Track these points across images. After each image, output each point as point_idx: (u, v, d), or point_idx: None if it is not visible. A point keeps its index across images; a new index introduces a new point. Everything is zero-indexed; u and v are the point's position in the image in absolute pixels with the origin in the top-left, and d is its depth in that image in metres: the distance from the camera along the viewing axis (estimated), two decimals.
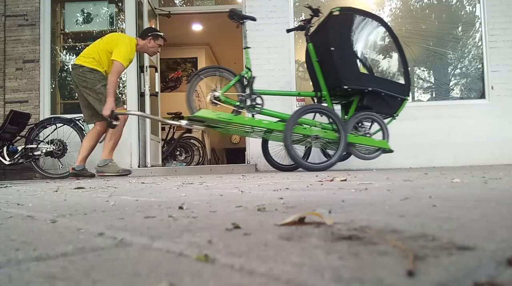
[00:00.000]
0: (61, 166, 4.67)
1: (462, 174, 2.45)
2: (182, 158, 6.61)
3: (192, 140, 7.02)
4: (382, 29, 4.12)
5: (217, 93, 3.70)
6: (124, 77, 5.25)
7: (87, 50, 4.01)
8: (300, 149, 4.26)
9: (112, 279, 0.42)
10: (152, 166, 5.36)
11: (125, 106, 4.72)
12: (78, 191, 1.95)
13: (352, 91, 3.88)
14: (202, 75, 3.86)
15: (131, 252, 0.55)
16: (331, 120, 3.83)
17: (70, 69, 4.13)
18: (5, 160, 4.52)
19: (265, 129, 3.83)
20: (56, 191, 1.97)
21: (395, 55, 4.16)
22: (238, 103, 3.78)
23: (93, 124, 4.06)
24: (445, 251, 0.48)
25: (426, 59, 5.48)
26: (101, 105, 3.82)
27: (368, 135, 3.95)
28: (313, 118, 4.06)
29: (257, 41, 5.23)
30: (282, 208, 0.94)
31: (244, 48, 3.95)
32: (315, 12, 3.95)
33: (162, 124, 6.33)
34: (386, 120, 4.14)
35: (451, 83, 5.53)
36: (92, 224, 0.81)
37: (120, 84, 5.43)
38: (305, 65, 4.46)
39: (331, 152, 3.98)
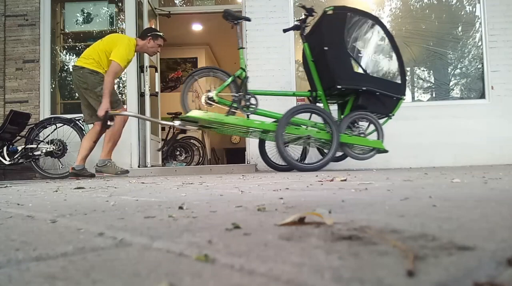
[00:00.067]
0: (61, 166, 4.67)
1: (462, 174, 2.45)
2: (182, 158, 6.61)
3: (192, 141, 7.02)
4: (377, 28, 4.08)
5: (211, 94, 3.74)
6: (124, 77, 5.25)
7: (88, 51, 4.02)
8: (298, 149, 4.26)
9: (112, 279, 0.42)
10: (152, 166, 5.36)
11: (124, 106, 4.72)
12: (78, 191, 1.95)
13: (347, 91, 3.87)
14: (196, 76, 3.89)
15: (131, 252, 0.55)
16: (323, 120, 3.82)
17: (71, 71, 4.13)
18: (5, 160, 4.52)
19: (259, 129, 3.82)
20: (56, 191, 1.97)
21: (391, 55, 4.13)
22: (229, 103, 3.80)
23: (92, 124, 4.07)
24: (445, 251, 0.48)
25: (426, 59, 5.48)
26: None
27: (362, 135, 3.92)
28: (309, 118, 4.04)
29: (257, 41, 5.23)
30: (282, 208, 0.94)
31: (239, 49, 3.95)
32: (309, 11, 3.94)
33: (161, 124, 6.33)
34: (382, 120, 4.13)
35: (451, 83, 5.53)
36: (92, 224, 0.81)
37: (120, 84, 5.43)
38: None
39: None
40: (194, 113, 3.60)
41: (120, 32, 5.49)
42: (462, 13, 5.50)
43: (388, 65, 4.07)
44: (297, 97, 5.09)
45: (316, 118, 3.97)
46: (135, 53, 4.27)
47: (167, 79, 8.92)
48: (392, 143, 4.92)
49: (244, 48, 3.99)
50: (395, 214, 0.80)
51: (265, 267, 0.43)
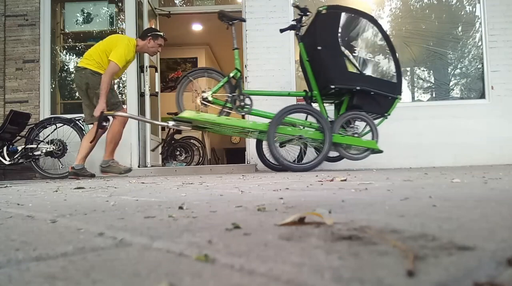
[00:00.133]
0: (61, 166, 4.67)
1: (462, 174, 2.45)
2: (182, 158, 6.61)
3: (192, 141, 7.02)
4: (372, 27, 4.04)
5: (205, 95, 3.78)
6: (124, 77, 5.25)
7: (89, 52, 4.03)
8: (296, 149, 4.25)
9: (112, 279, 0.42)
10: (152, 166, 5.36)
11: (124, 106, 4.73)
12: (78, 191, 1.95)
13: (343, 91, 3.86)
14: (191, 77, 3.92)
15: (131, 252, 0.55)
16: (315, 120, 3.81)
17: (74, 71, 4.15)
18: (5, 160, 4.52)
19: (251, 129, 3.83)
20: (56, 191, 1.97)
21: (387, 54, 4.09)
22: (223, 103, 3.81)
23: (92, 124, 4.07)
24: (445, 251, 0.48)
25: (426, 59, 5.48)
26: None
27: (356, 135, 3.90)
28: (306, 119, 4.03)
29: (257, 41, 5.23)
30: (282, 208, 0.94)
31: (234, 49, 3.97)
32: (303, 11, 3.93)
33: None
34: (378, 120, 4.11)
35: (451, 83, 5.53)
36: (92, 224, 0.81)
37: (120, 84, 5.43)
38: None
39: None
40: (186, 113, 3.62)
41: (120, 32, 5.49)
42: (462, 13, 5.50)
43: (384, 64, 4.03)
44: (297, 97, 5.09)
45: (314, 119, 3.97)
46: (136, 54, 4.27)
47: (167, 79, 8.92)
48: (392, 143, 4.92)
49: (239, 48, 4.01)
50: (395, 214, 0.80)
51: (265, 267, 0.43)
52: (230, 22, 3.92)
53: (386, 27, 5.49)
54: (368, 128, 3.98)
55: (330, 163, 4.45)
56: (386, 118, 4.13)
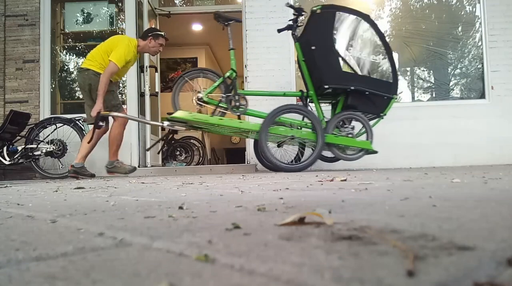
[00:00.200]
0: (61, 166, 4.67)
1: (462, 174, 2.45)
2: (182, 158, 6.61)
3: (192, 141, 7.02)
4: (367, 27, 4.01)
5: (200, 95, 3.82)
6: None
7: (92, 53, 4.06)
8: (295, 149, 4.25)
9: (112, 279, 0.42)
10: (152, 166, 5.36)
11: (124, 106, 4.73)
12: (78, 191, 1.95)
13: (338, 91, 3.85)
14: (187, 78, 3.97)
15: (131, 252, 0.55)
16: (309, 120, 3.80)
17: (77, 72, 4.20)
18: (5, 160, 4.52)
19: (243, 130, 3.85)
20: (56, 191, 1.97)
21: (382, 53, 4.05)
22: (217, 103, 3.84)
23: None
24: (445, 251, 0.48)
25: (426, 59, 5.48)
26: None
27: (350, 136, 3.86)
28: (303, 119, 4.03)
29: (257, 41, 5.23)
30: (282, 208, 0.94)
31: (229, 50, 4.00)
32: (298, 11, 3.92)
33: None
34: (374, 121, 4.09)
35: (451, 83, 5.53)
36: (92, 224, 0.81)
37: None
38: None
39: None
40: (178, 114, 3.68)
41: (120, 32, 5.50)
42: (462, 13, 5.50)
43: (379, 64, 4.01)
44: (297, 97, 5.09)
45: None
46: (138, 54, 4.28)
47: (167, 79, 8.92)
48: (392, 143, 4.93)
49: (235, 49, 4.03)
50: (395, 214, 0.80)
51: (265, 267, 0.43)
52: (226, 23, 3.95)
53: (386, 27, 5.49)
54: (364, 128, 3.98)
55: (330, 163, 4.44)
56: (382, 118, 4.10)
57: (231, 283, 0.39)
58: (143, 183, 2.54)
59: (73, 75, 5.70)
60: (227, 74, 3.92)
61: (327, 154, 4.11)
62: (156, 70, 5.80)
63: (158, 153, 5.81)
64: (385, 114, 4.05)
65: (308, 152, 4.31)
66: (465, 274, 0.39)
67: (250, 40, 5.26)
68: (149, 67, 5.39)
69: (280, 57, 5.24)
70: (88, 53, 5.12)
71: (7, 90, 5.28)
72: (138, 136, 5.19)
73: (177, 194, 1.50)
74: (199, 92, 3.87)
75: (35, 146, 4.55)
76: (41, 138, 4.64)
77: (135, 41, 4.13)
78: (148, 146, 5.33)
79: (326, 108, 4.26)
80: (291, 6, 3.94)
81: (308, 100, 4.01)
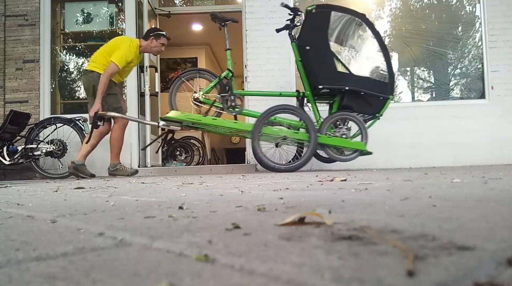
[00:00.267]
0: (61, 166, 4.67)
1: (462, 174, 2.45)
2: (182, 158, 6.60)
3: (192, 141, 7.02)
4: (363, 26, 3.97)
5: (196, 95, 3.87)
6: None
7: (96, 55, 4.10)
8: (293, 150, 4.24)
9: (112, 279, 0.42)
10: (152, 166, 5.36)
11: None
12: (78, 191, 1.95)
13: (335, 91, 3.83)
14: (183, 78, 4.03)
15: (131, 252, 0.55)
16: (301, 120, 3.78)
17: (82, 74, 4.26)
18: (5, 160, 4.52)
19: (236, 129, 3.87)
20: (56, 191, 1.97)
21: (378, 53, 4.00)
22: (211, 103, 3.89)
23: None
24: (445, 251, 0.48)
25: (426, 59, 5.48)
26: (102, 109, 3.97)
27: (344, 136, 3.83)
28: (300, 119, 4.02)
29: (257, 41, 5.23)
30: (282, 208, 0.94)
31: (226, 50, 4.03)
32: (294, 10, 3.90)
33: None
34: (370, 121, 4.06)
35: (451, 83, 5.53)
36: (92, 224, 0.81)
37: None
38: None
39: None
40: (172, 114, 3.75)
41: (120, 32, 5.50)
42: (462, 13, 5.50)
43: (375, 64, 3.96)
44: (297, 97, 5.08)
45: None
46: (141, 54, 4.30)
47: (167, 79, 8.91)
48: (392, 143, 4.93)
49: (231, 49, 4.06)
50: (395, 214, 0.80)
51: (265, 267, 0.43)
52: (223, 23, 3.97)
53: (386, 27, 5.49)
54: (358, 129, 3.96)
55: (330, 163, 4.44)
56: (379, 119, 4.06)
57: (231, 283, 0.39)
58: (143, 183, 2.54)
59: (73, 75, 5.70)
60: (224, 74, 3.96)
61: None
62: (156, 70, 5.80)
63: (157, 152, 5.81)
64: (381, 115, 4.01)
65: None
66: (465, 274, 0.39)
67: (250, 40, 5.26)
68: (149, 67, 5.39)
69: (280, 57, 5.24)
70: (88, 53, 5.13)
71: (7, 90, 5.28)
72: (138, 136, 5.20)
73: (177, 194, 1.50)
74: (195, 92, 3.91)
75: (35, 146, 4.55)
76: (41, 138, 4.64)
77: (137, 41, 4.16)
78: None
79: (324, 108, 4.25)
80: (286, 6, 3.91)
81: (306, 100, 4.01)
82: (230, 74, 3.96)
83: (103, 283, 0.41)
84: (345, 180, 2.05)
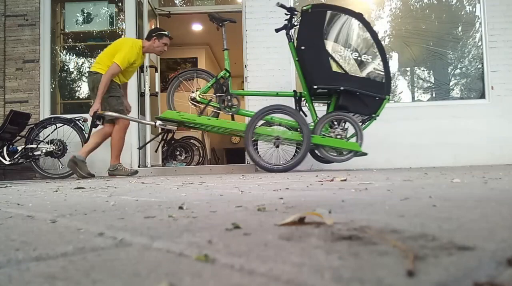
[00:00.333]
0: (61, 166, 4.67)
1: (462, 174, 2.45)
2: (182, 158, 6.60)
3: (192, 141, 7.02)
4: (360, 26, 3.94)
5: (193, 95, 3.93)
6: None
7: (100, 56, 4.14)
8: (292, 150, 4.25)
9: (112, 279, 0.42)
10: (152, 166, 5.36)
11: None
12: (78, 191, 1.95)
13: (331, 91, 3.82)
14: (181, 78, 4.09)
15: (131, 252, 0.55)
16: (296, 120, 3.77)
17: (87, 75, 4.32)
18: (5, 160, 4.52)
19: (230, 129, 3.91)
20: (56, 191, 1.97)
21: (375, 53, 3.97)
22: (207, 102, 3.94)
23: (102, 125, 4.14)
24: (445, 251, 0.48)
25: (426, 59, 5.48)
26: (104, 111, 4.02)
27: (339, 137, 3.80)
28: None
29: (257, 41, 5.23)
30: (282, 208, 0.94)
31: (223, 50, 4.05)
32: (290, 10, 3.89)
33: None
34: (367, 122, 4.05)
35: (451, 83, 5.53)
36: (92, 224, 0.81)
37: None
38: None
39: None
40: (167, 114, 3.81)
41: (120, 32, 5.51)
42: (462, 13, 5.50)
43: (371, 64, 3.94)
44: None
45: (308, 119, 3.94)
46: (144, 55, 4.33)
47: (167, 79, 8.91)
48: (392, 143, 4.93)
49: (229, 49, 4.07)
50: (395, 214, 0.80)
51: (265, 267, 0.43)
52: (220, 24, 3.99)
53: (386, 27, 5.49)
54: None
55: (330, 163, 4.44)
56: (375, 119, 4.03)
57: (231, 283, 0.39)
58: (143, 183, 2.53)
59: (73, 75, 5.70)
60: (221, 74, 3.99)
61: None
62: (156, 70, 5.80)
63: (156, 151, 5.82)
64: (377, 115, 3.98)
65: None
66: (465, 274, 0.39)
67: (250, 40, 5.26)
68: (149, 67, 5.39)
69: (280, 57, 5.24)
70: (88, 53, 5.15)
71: (7, 90, 5.28)
72: (138, 136, 5.20)
73: (177, 194, 1.50)
74: (193, 92, 3.96)
75: (35, 146, 4.55)
76: (41, 138, 4.63)
77: (140, 42, 4.19)
78: (148, 145, 5.33)
79: (322, 108, 4.25)
80: (282, 6, 3.89)
81: (300, 100, 4.00)
82: (227, 74, 3.98)
83: (103, 283, 0.41)
84: (345, 180, 2.05)
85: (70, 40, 5.66)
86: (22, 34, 5.33)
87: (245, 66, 5.25)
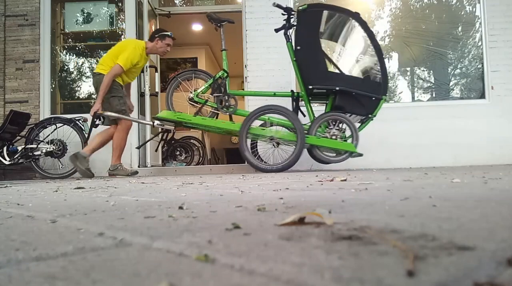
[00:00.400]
0: (61, 166, 4.67)
1: (462, 174, 2.45)
2: (182, 158, 6.60)
3: (192, 141, 7.02)
4: (356, 25, 3.91)
5: (191, 95, 3.98)
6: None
7: (104, 58, 4.18)
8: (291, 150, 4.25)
9: (112, 279, 0.42)
10: (152, 166, 5.36)
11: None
12: (78, 191, 1.95)
13: (328, 91, 3.82)
14: (180, 78, 4.14)
15: (131, 252, 0.55)
16: (289, 120, 3.76)
17: (92, 76, 4.37)
18: (5, 160, 4.52)
19: (225, 129, 3.94)
20: (56, 191, 1.97)
21: (371, 53, 3.93)
22: (204, 102, 3.98)
23: (109, 125, 4.16)
24: (445, 251, 0.48)
25: (426, 59, 5.48)
26: (105, 111, 4.05)
27: (334, 137, 3.77)
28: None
29: (257, 41, 5.23)
30: (282, 208, 0.94)
31: (222, 50, 4.07)
32: (286, 10, 3.87)
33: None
34: (363, 123, 4.03)
35: (451, 83, 5.53)
36: (92, 224, 0.81)
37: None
38: None
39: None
40: (163, 114, 3.87)
41: (120, 32, 5.51)
42: (462, 13, 5.50)
43: (368, 64, 3.91)
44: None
45: (306, 119, 3.94)
46: (148, 56, 4.35)
47: (167, 79, 8.91)
48: (392, 143, 4.93)
49: (227, 50, 4.09)
50: (395, 214, 0.80)
51: (265, 267, 0.43)
52: (219, 24, 4.00)
53: (386, 27, 5.49)
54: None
55: (329, 163, 4.43)
56: (372, 119, 3.99)
57: (231, 283, 0.39)
58: (143, 183, 2.54)
59: (73, 75, 5.70)
60: (219, 74, 4.01)
61: None
62: (156, 70, 5.80)
63: (156, 150, 5.83)
64: (374, 116, 3.93)
65: (304, 151, 4.31)
66: (465, 274, 0.39)
67: (250, 40, 5.26)
68: (149, 67, 5.39)
69: (280, 57, 5.24)
70: (88, 53, 5.18)
71: (7, 90, 5.28)
72: (138, 136, 5.20)
73: (177, 194, 1.50)
74: (191, 92, 4.00)
75: (35, 146, 4.55)
76: (41, 139, 4.63)
77: (143, 43, 4.21)
78: (148, 145, 5.34)
79: (320, 108, 4.25)
80: (278, 6, 3.87)
81: (297, 100, 4.00)
82: (225, 74, 3.99)
83: (103, 283, 0.41)
84: (345, 180, 2.05)
85: (70, 40, 5.66)
86: (22, 34, 5.33)
87: (245, 66, 5.25)
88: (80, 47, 5.63)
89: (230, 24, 4.17)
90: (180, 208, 1.02)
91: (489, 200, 1.01)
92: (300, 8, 3.80)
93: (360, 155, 3.88)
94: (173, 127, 4.09)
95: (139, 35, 5.38)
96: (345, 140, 3.84)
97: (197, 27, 8.12)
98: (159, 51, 4.27)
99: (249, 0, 5.32)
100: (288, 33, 3.95)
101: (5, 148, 4.56)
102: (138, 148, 5.15)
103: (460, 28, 5.44)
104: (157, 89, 5.83)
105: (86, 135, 4.30)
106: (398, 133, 4.94)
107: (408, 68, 5.58)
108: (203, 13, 6.88)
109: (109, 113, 3.98)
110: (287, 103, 4.80)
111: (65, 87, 5.61)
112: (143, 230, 0.70)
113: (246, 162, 3.81)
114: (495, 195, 1.14)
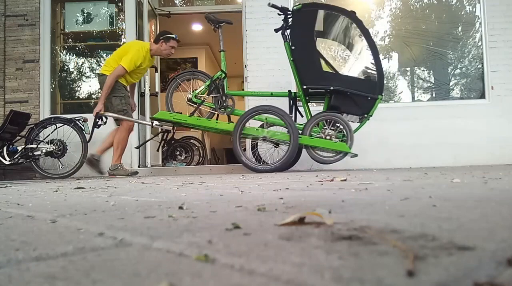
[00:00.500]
0: (61, 166, 4.66)
1: (462, 174, 2.45)
2: (182, 158, 6.60)
3: (192, 141, 7.02)
4: (352, 25, 3.89)
5: (189, 96, 4.04)
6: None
7: (108, 59, 4.23)
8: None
9: (112, 279, 0.42)
10: (152, 166, 5.36)
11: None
12: (78, 191, 1.95)
13: (324, 91, 3.81)
14: (179, 79, 4.20)
15: (131, 252, 0.55)
16: (283, 121, 3.75)
17: (97, 77, 4.45)
18: (5, 160, 4.52)
19: (220, 130, 3.99)
20: (56, 191, 1.97)
21: (367, 52, 3.90)
22: (201, 102, 4.03)
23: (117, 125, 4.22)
24: (445, 251, 0.48)
25: (426, 59, 5.48)
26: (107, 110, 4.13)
27: (328, 137, 3.74)
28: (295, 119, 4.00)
29: (257, 41, 5.23)
30: (282, 208, 0.94)
31: (220, 51, 4.09)
32: (282, 10, 3.86)
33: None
34: (360, 123, 4.01)
35: (451, 83, 5.53)
36: (92, 224, 0.81)
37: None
38: None
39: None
40: (160, 114, 3.94)
41: (120, 32, 5.51)
42: (462, 13, 5.49)
43: (364, 63, 3.89)
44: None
45: (304, 119, 3.94)
46: (153, 57, 4.37)
47: (167, 79, 8.91)
48: (392, 143, 4.93)
49: (225, 51, 4.10)
50: (395, 214, 0.80)
51: (265, 267, 0.43)
52: (217, 25, 4.02)
53: (386, 27, 5.49)
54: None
55: (329, 164, 4.43)
56: (368, 119, 3.96)
57: (231, 283, 0.39)
58: (143, 183, 2.54)
59: (73, 75, 5.70)
60: (217, 75, 4.04)
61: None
62: (156, 70, 5.80)
63: (158, 150, 5.83)
64: (370, 116, 3.89)
65: (305, 151, 4.31)
66: (465, 274, 0.39)
67: (250, 40, 5.26)
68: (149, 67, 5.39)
69: (280, 57, 5.23)
70: (88, 53, 5.20)
71: (7, 90, 5.28)
72: (138, 136, 5.20)
73: (177, 194, 1.50)
74: (189, 93, 4.05)
75: (35, 146, 4.54)
76: (41, 138, 4.63)
77: (148, 45, 4.24)
78: (148, 145, 5.34)
79: (318, 108, 4.25)
80: (274, 6, 3.84)
81: (295, 100, 3.99)
82: (223, 75, 4.01)
83: (103, 283, 0.41)
84: (345, 180, 2.05)
85: (70, 40, 5.66)
86: (22, 34, 5.33)
87: (245, 66, 5.25)
88: (80, 47, 5.63)
89: (230, 24, 4.17)
90: (180, 208, 1.02)
91: (489, 200, 1.01)
92: (295, 7, 3.79)
93: (355, 155, 3.84)
94: (172, 127, 4.12)
95: (139, 35, 5.38)
96: (342, 141, 3.80)
97: (197, 27, 8.12)
98: (163, 53, 4.30)
99: (249, 0, 5.32)
100: (285, 33, 3.95)
101: (5, 148, 4.55)
102: (138, 147, 5.16)
103: (460, 28, 5.44)
104: (157, 89, 5.83)
105: (87, 135, 4.31)
106: (398, 133, 4.94)
107: (408, 68, 5.58)
108: (203, 13, 6.88)
109: (110, 114, 4.01)
110: (284, 103, 4.81)
111: (65, 87, 5.62)
112: (143, 230, 0.70)
113: (240, 162, 3.82)
114: (495, 195, 1.14)
